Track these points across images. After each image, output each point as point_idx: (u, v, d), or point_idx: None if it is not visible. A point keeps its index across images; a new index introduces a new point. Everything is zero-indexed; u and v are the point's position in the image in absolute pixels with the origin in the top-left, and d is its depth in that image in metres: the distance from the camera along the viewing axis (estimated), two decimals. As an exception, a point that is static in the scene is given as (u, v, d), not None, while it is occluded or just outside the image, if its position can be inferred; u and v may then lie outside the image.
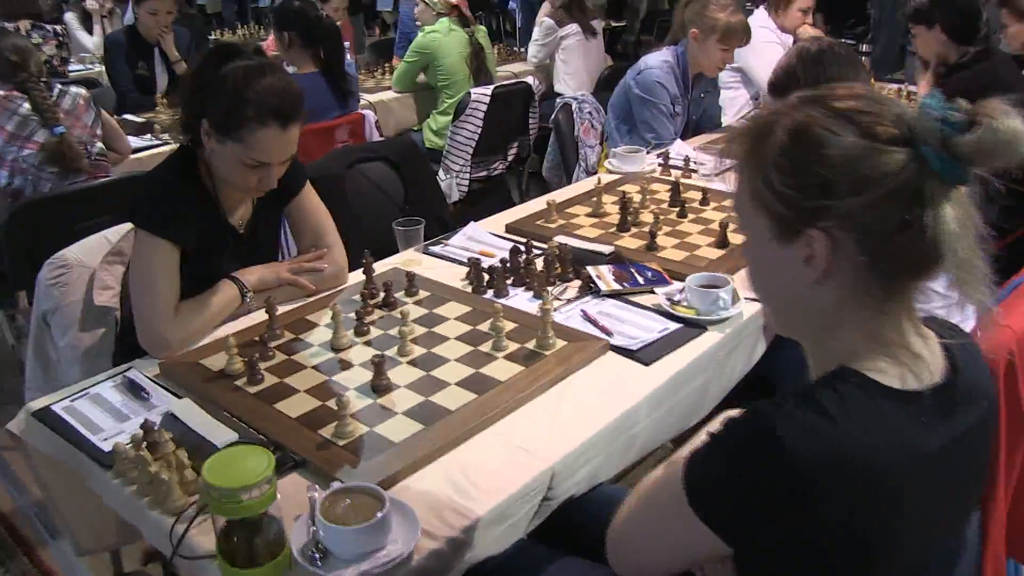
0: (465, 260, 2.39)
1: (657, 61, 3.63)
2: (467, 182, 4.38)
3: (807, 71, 2.25)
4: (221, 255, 2.11)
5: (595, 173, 3.88)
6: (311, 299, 2.18)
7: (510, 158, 4.71)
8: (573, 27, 5.33)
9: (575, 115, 3.93)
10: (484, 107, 4.28)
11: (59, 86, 3.33)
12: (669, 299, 2.15)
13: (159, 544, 1.47)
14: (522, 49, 6.18)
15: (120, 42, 4.86)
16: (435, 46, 4.56)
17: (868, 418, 1.03)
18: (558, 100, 4.03)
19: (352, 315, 2.01)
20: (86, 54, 6.42)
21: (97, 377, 1.89)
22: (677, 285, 2.21)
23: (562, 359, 1.87)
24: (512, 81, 4.52)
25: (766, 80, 4.38)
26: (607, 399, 1.78)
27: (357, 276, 2.28)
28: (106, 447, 1.61)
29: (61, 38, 5.79)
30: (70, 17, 6.79)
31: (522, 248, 2.33)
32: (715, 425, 1.16)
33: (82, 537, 1.88)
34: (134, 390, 1.79)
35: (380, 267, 2.36)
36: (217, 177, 2.05)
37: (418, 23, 4.74)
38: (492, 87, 4.33)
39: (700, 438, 1.20)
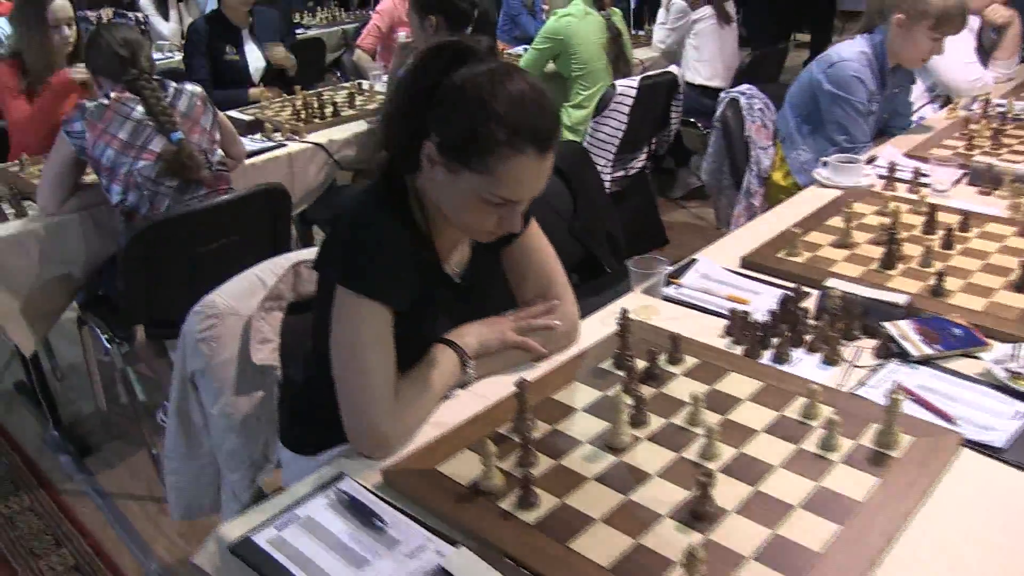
0: (714, 308, 1.92)
1: (852, 52, 3.12)
2: (608, 183, 3.89)
3: None
4: (435, 312, 1.64)
5: (767, 178, 3.40)
6: (541, 367, 1.71)
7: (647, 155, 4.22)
8: (707, 10, 4.81)
9: (744, 112, 3.42)
10: (631, 101, 3.79)
11: (173, 84, 2.87)
12: (1005, 368, 1.65)
13: None
14: (639, 32, 5.67)
15: (200, 29, 4.42)
16: (570, 32, 4.05)
17: None
18: (723, 95, 3.52)
19: (613, 394, 1.54)
20: (163, 42, 6.00)
21: (299, 488, 1.42)
22: (1002, 348, 1.72)
23: (917, 464, 1.39)
24: (659, 71, 4.01)
25: (948, 69, 3.89)
26: (1000, 524, 1.30)
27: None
28: (352, 614, 1.15)
29: (143, 26, 5.35)
30: (146, 2, 6.36)
31: (793, 295, 1.84)
32: None
33: None
34: (361, 514, 1.33)
35: (606, 316, 1.90)
36: (433, 212, 1.58)
37: (546, 6, 4.24)
38: (639, 78, 3.83)
39: None
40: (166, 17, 6.50)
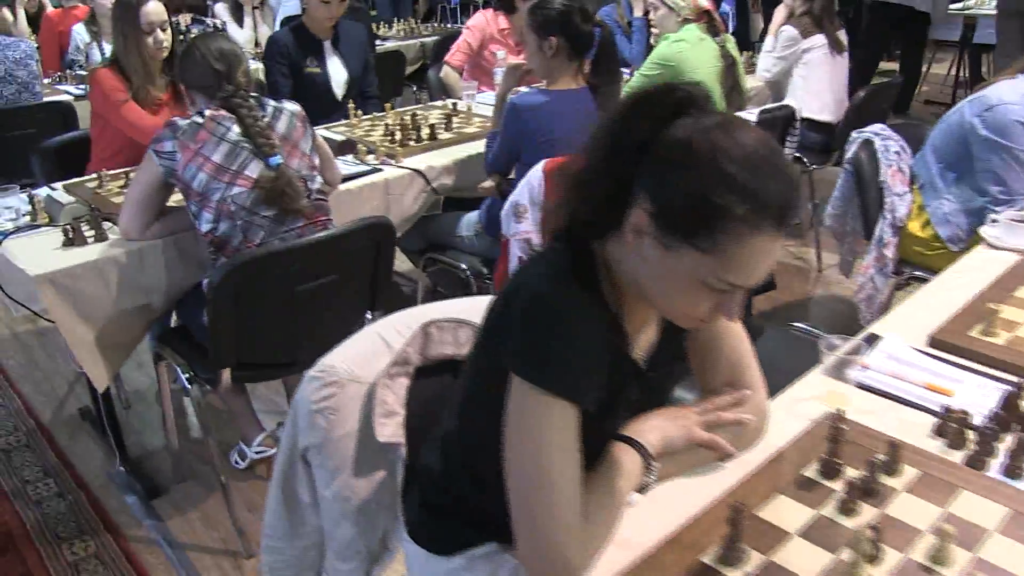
0: (912, 399, 1.64)
1: (1016, 94, 2.81)
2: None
3: None
4: (617, 404, 1.37)
5: (902, 228, 3.10)
6: (727, 469, 1.44)
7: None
8: (819, 39, 4.50)
9: (880, 154, 3.13)
10: (747, 136, 3.50)
11: (271, 103, 2.63)
12: None
13: None
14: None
15: (282, 40, 4.15)
16: (683, 58, 3.77)
17: None
18: (855, 134, 3.23)
19: (830, 513, 1.26)
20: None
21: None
22: None
23: None
24: (776, 105, 3.73)
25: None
26: None
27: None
28: None
29: (220, 32, 5.15)
30: (221, 8, 6.20)
31: (1016, 391, 1.55)
32: None
33: None
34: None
35: (791, 404, 1.63)
36: (627, 288, 1.31)
37: (655, 30, 3.97)
38: (757, 111, 3.56)
39: None
40: (240, 24, 6.33)
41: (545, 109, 2.91)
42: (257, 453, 2.98)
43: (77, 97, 4.76)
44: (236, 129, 2.50)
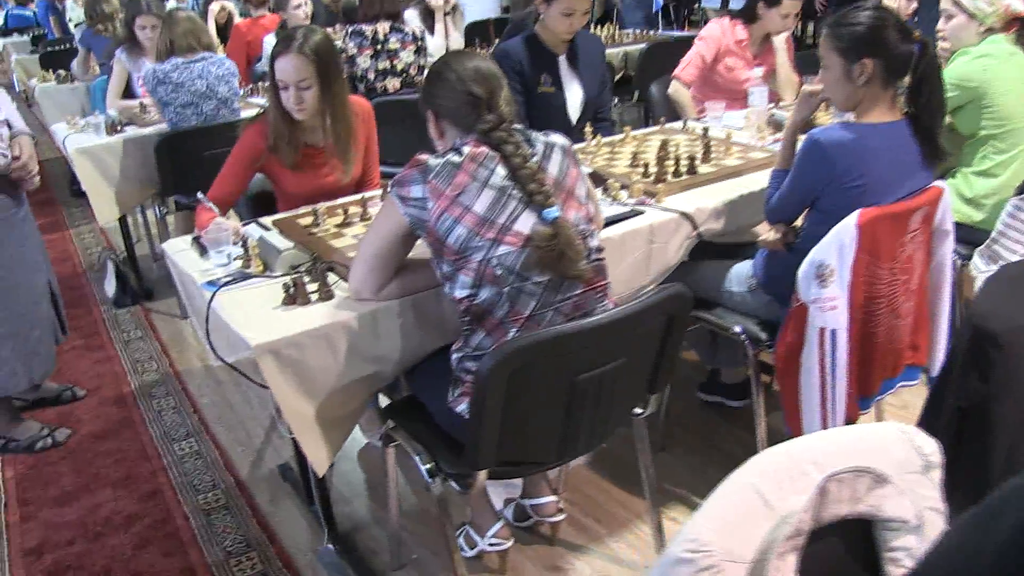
0: None
1: None
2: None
3: None
4: None
5: None
6: None
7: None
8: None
9: None
10: (1077, 174, 2.86)
11: (541, 138, 2.15)
12: None
13: None
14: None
15: (513, 55, 3.61)
16: (988, 77, 3.13)
17: None
18: None
19: None
20: (430, 57, 5.41)
21: None
22: None
23: None
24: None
25: None
26: None
27: None
28: None
29: (420, 42, 4.75)
30: (412, 15, 5.83)
31: None
32: None
33: None
34: None
35: None
36: None
37: (944, 42, 3.33)
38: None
39: None
40: (431, 31, 5.95)
41: (855, 147, 2.35)
42: (491, 545, 2.52)
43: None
44: (501, 171, 2.03)
